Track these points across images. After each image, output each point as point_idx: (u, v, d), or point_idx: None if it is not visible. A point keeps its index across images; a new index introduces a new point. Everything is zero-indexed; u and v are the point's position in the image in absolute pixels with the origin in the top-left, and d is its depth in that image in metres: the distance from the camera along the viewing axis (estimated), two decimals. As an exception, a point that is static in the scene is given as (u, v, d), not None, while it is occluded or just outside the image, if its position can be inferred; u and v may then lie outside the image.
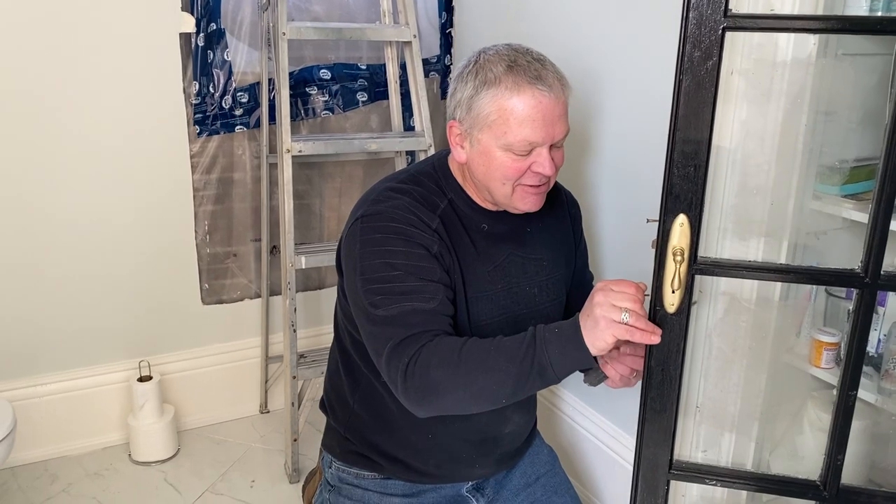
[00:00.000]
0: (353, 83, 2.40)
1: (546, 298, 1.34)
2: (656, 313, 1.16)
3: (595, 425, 2.09)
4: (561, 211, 1.40)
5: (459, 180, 1.25)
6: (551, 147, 1.16)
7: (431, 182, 1.24)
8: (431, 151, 2.22)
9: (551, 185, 1.26)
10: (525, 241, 1.30)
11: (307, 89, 2.36)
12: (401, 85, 2.33)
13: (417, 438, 1.31)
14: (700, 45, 1.05)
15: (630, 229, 1.86)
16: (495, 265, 1.26)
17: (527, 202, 1.21)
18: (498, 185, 1.18)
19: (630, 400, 1.94)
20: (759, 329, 1.40)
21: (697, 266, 1.13)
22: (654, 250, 1.17)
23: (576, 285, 1.44)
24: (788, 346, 1.47)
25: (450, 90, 1.22)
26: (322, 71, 2.36)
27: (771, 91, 1.27)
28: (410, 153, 2.36)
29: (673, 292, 1.13)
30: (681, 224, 1.08)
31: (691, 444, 1.45)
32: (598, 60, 1.89)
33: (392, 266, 1.14)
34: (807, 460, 1.52)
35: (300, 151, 2.04)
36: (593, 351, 1.04)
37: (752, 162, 1.30)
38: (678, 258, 1.09)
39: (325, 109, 2.39)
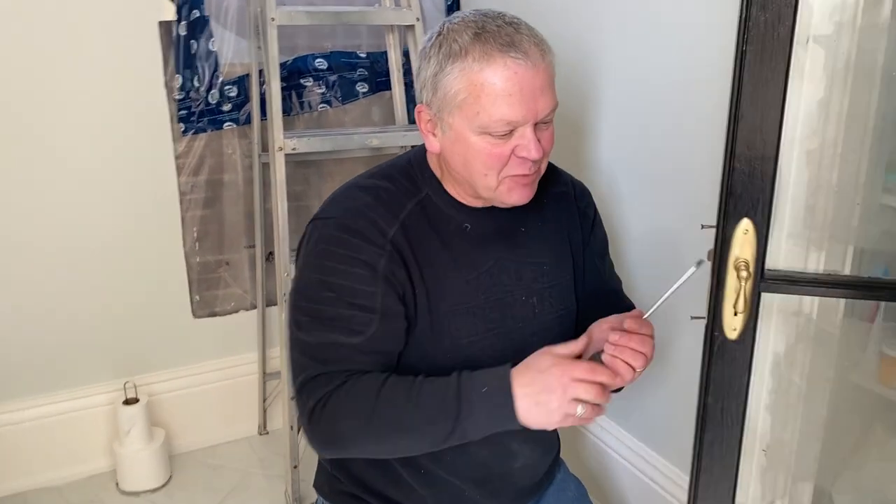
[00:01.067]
0: (352, 73, 2.28)
1: (549, 310, 1.16)
2: (713, 340, 0.96)
3: (625, 447, 1.89)
4: (565, 204, 1.20)
5: (437, 174, 1.10)
6: (536, 125, 0.99)
7: (404, 177, 1.09)
8: None
9: (542, 171, 1.08)
10: (519, 243, 1.13)
11: (301, 81, 2.23)
12: (404, 74, 2.18)
13: (409, 474, 1.14)
14: (769, 7, 0.84)
15: (656, 237, 1.64)
16: (480, 272, 1.09)
17: (514, 194, 1.04)
18: (479, 176, 1.02)
19: (662, 412, 1.73)
20: (838, 354, 1.18)
21: (766, 281, 0.92)
22: (708, 263, 0.97)
23: (594, 292, 1.24)
24: (868, 371, 1.25)
25: (414, 70, 1.08)
26: (317, 60, 2.23)
27: (857, 62, 1.05)
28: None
29: (736, 314, 0.94)
30: (745, 231, 0.90)
31: (756, 495, 1.23)
32: (621, 39, 1.67)
33: (326, 285, 1.02)
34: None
35: (294, 149, 1.90)
36: (531, 426, 0.95)
37: (828, 152, 1.08)
38: (742, 273, 0.90)
39: (322, 102, 2.26)
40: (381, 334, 1.02)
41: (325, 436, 1.00)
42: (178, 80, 2.08)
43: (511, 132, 0.99)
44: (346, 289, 1.01)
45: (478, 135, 0.99)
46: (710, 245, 0.96)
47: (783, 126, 0.89)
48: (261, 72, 2.05)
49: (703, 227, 0.98)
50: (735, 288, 0.94)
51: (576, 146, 1.89)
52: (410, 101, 2.23)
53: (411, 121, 2.23)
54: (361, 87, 2.29)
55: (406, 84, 2.21)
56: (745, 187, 0.91)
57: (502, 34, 0.97)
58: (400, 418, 0.97)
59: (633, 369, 0.98)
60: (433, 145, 1.06)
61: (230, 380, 2.35)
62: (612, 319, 1.05)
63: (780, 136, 0.89)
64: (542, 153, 1.01)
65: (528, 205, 1.10)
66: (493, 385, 0.96)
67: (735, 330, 0.95)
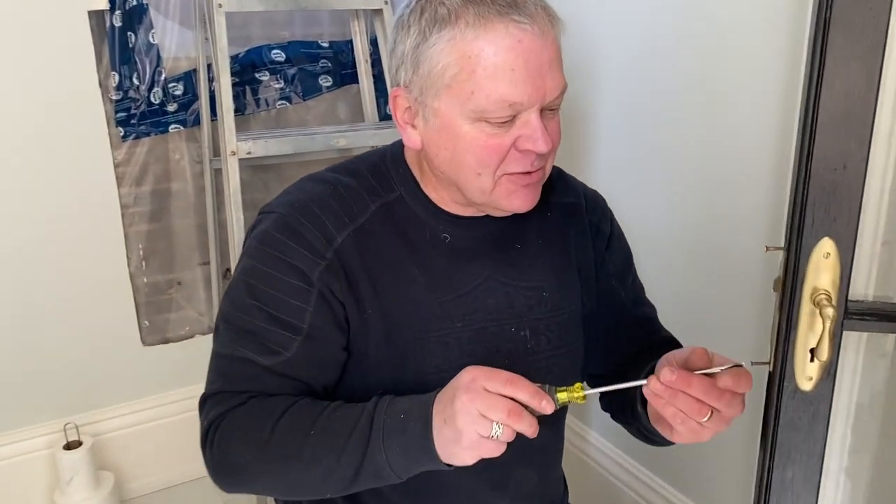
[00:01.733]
0: (314, 65, 2.12)
1: (545, 346, 0.96)
2: (781, 392, 0.76)
3: (636, 478, 1.68)
4: (574, 218, 1.01)
5: (417, 174, 0.93)
6: (542, 112, 0.82)
7: (372, 174, 0.93)
8: None
9: (548, 172, 0.89)
10: (513, 261, 0.95)
11: (257, 75, 2.06)
12: (372, 65, 2.07)
13: None
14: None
15: (706, 261, 1.43)
16: (460, 294, 0.92)
17: (516, 198, 0.86)
18: (471, 176, 0.85)
19: (713, 466, 1.52)
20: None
21: (851, 317, 0.73)
22: (775, 294, 0.77)
23: (616, 323, 1.03)
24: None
25: (389, 45, 0.88)
26: (274, 52, 2.07)
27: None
28: None
29: (812, 360, 0.75)
30: (825, 254, 0.72)
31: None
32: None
33: (251, 291, 0.89)
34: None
35: (249, 153, 1.74)
36: (452, 463, 0.78)
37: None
38: (824, 306, 0.71)
39: (281, 99, 2.10)
40: (302, 359, 0.88)
41: (217, 463, 0.87)
42: (115, 79, 1.88)
43: (513, 118, 0.81)
44: (270, 299, 0.88)
45: (471, 122, 0.81)
46: (777, 271, 0.76)
47: (876, 119, 0.68)
48: (209, 66, 1.89)
49: (767, 248, 0.77)
50: (811, 326, 0.73)
51: (589, 145, 1.67)
52: (381, 96, 2.08)
53: (382, 117, 2.09)
54: (325, 81, 2.14)
55: (375, 76, 2.07)
56: (827, 198, 0.71)
57: None
58: (300, 448, 0.83)
59: (694, 423, 0.76)
60: (412, 139, 0.88)
61: (187, 413, 2.12)
62: (692, 355, 0.81)
63: (873, 131, 0.69)
64: (550, 145, 0.83)
65: (527, 216, 0.92)
66: (414, 412, 0.79)
67: (810, 379, 0.76)
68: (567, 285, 0.99)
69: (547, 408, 0.75)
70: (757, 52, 1.26)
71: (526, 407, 0.75)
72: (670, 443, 0.91)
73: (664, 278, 1.49)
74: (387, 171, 0.94)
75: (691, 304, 1.45)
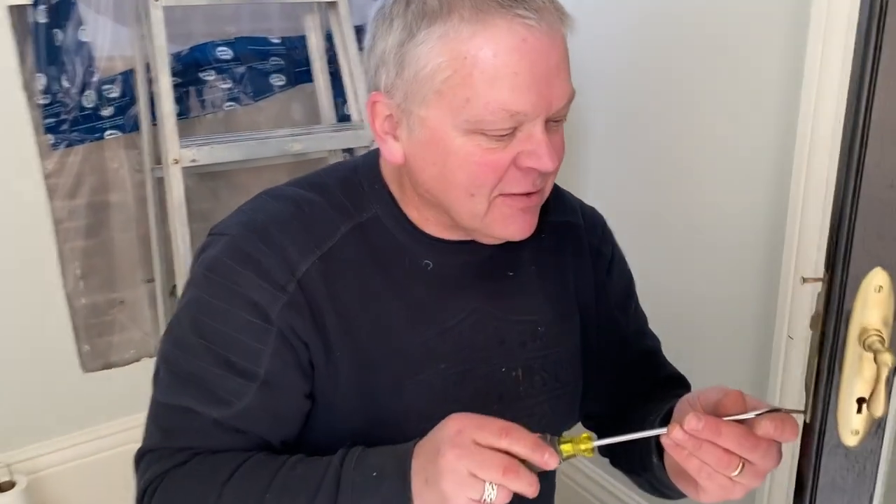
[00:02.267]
0: (265, 63, 2.01)
1: (539, 388, 0.86)
2: (821, 448, 0.66)
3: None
4: (572, 239, 0.90)
5: (395, 191, 0.82)
6: (546, 123, 0.72)
7: (343, 190, 0.82)
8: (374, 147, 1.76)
9: (547, 192, 0.79)
10: (505, 291, 0.85)
11: (201, 75, 1.94)
12: (328, 62, 1.97)
13: None
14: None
15: (729, 296, 1.32)
16: (444, 329, 0.82)
17: (512, 224, 0.76)
18: (462, 197, 0.74)
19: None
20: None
21: None
22: (811, 332, 0.67)
23: (617, 358, 0.93)
24: None
25: (366, 42, 0.77)
26: (220, 49, 1.95)
27: None
28: (348, 152, 1.96)
29: (859, 411, 0.64)
30: (878, 288, 0.60)
31: None
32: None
33: (197, 329, 0.77)
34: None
35: (194, 161, 1.63)
36: None
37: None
38: (879, 351, 0.60)
39: (229, 100, 1.98)
40: (258, 410, 0.77)
41: None
42: (41, 81, 1.72)
43: (513, 131, 0.71)
44: (220, 338, 0.76)
45: (465, 134, 0.71)
46: (814, 307, 0.65)
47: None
48: (148, 66, 1.75)
49: (804, 280, 0.67)
50: (859, 371, 0.62)
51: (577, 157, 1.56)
52: (338, 95, 1.98)
53: (341, 118, 1.99)
54: (277, 80, 2.03)
55: (332, 74, 1.96)
56: (879, 220, 0.60)
57: None
58: None
59: (723, 478, 0.66)
60: (394, 153, 0.76)
61: (136, 443, 1.94)
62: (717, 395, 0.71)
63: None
64: (556, 162, 0.73)
65: (520, 241, 0.80)
66: (389, 468, 0.69)
67: (857, 434, 0.65)
68: (565, 317, 0.88)
69: (550, 462, 0.64)
70: (754, 51, 1.16)
71: (523, 461, 0.64)
72: (683, 496, 0.80)
73: (683, 311, 1.39)
74: (360, 186, 0.82)
75: (679, 331, 1.35)
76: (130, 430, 1.97)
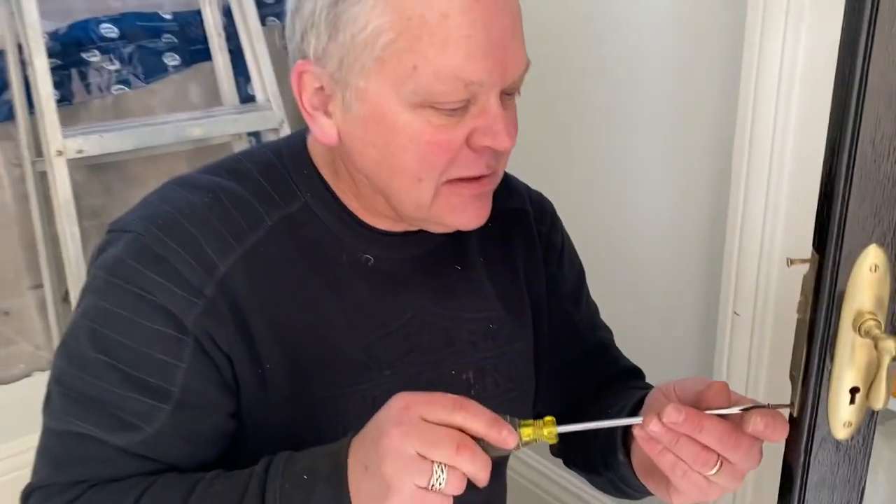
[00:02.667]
0: (156, 41, 1.88)
1: (492, 391, 0.80)
2: (811, 442, 0.64)
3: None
4: (521, 228, 0.84)
5: (327, 175, 0.74)
6: (501, 96, 0.65)
7: (266, 176, 0.74)
8: (285, 130, 1.75)
9: (500, 176, 0.71)
10: (452, 287, 0.78)
11: (84, 55, 1.78)
12: (227, 39, 1.87)
13: None
14: None
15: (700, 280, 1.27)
16: (388, 332, 0.75)
17: (464, 213, 0.69)
18: (408, 183, 0.67)
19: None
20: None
21: None
22: (798, 318, 0.62)
23: (568, 355, 0.87)
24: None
25: (289, 3, 0.67)
26: (104, 26, 1.80)
27: None
28: (254, 135, 1.87)
29: (852, 402, 0.60)
30: (872, 266, 0.57)
31: None
32: None
33: (96, 342, 0.67)
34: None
35: (81, 152, 1.51)
36: None
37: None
38: (879, 338, 0.55)
39: (118, 83, 1.84)
40: (171, 435, 0.68)
41: None
42: None
43: (466, 105, 0.63)
44: (125, 353, 0.67)
45: (412, 109, 0.63)
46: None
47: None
48: (21, 46, 1.59)
49: (790, 262, 0.61)
50: (853, 359, 0.58)
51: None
52: (240, 74, 1.88)
53: (244, 99, 1.88)
54: (171, 60, 1.90)
55: (231, 51, 1.86)
56: (875, 195, 0.55)
57: None
58: None
59: (699, 477, 0.61)
60: (326, 132, 0.68)
61: (27, 468, 1.79)
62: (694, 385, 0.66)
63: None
64: (514, 140, 0.65)
65: (466, 231, 0.73)
66: (322, 467, 0.61)
67: (849, 426, 0.61)
68: (516, 313, 0.81)
69: (509, 440, 0.57)
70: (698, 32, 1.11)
71: (478, 444, 0.57)
72: (648, 495, 0.75)
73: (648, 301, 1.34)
74: (286, 171, 0.73)
75: (622, 309, 1.31)
76: (20, 456, 1.80)
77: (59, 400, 0.68)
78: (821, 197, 0.57)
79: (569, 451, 0.86)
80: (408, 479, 0.55)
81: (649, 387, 0.83)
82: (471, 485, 0.81)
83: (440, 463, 0.55)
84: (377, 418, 0.59)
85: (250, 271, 0.68)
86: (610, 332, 0.91)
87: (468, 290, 0.78)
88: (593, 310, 0.91)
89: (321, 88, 0.66)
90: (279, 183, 0.72)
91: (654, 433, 0.59)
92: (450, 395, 0.58)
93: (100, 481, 0.67)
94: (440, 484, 0.55)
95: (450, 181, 0.66)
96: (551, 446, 0.90)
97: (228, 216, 0.69)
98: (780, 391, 1.08)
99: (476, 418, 0.56)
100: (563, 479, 1.61)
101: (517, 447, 0.59)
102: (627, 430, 0.72)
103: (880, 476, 1.04)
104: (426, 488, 0.55)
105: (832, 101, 0.55)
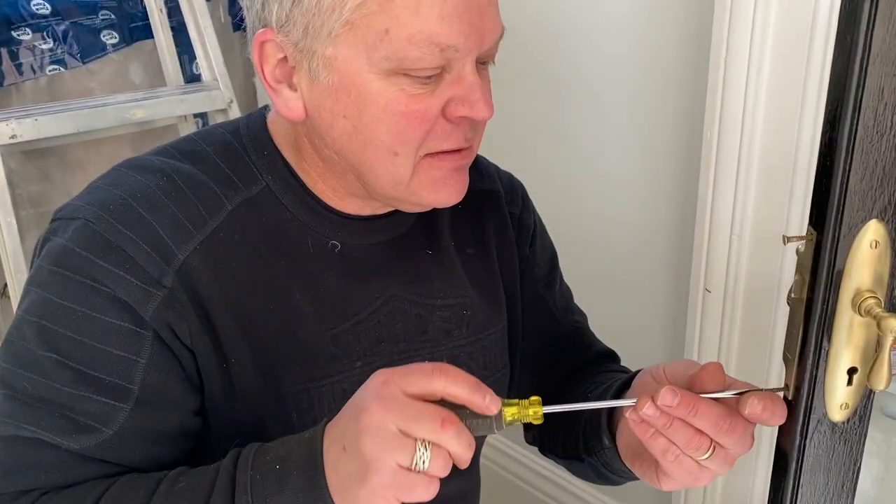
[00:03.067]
0: (93, 18, 1.81)
1: None
2: (807, 425, 0.61)
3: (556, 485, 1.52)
4: (493, 210, 0.81)
5: (290, 157, 0.70)
6: (476, 64, 0.63)
7: (224, 157, 0.70)
8: (234, 112, 1.70)
9: (477, 149, 0.69)
10: (424, 273, 0.76)
11: (15, 34, 1.72)
12: (169, 15, 1.82)
13: None
14: None
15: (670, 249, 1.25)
16: (358, 320, 0.71)
17: (444, 188, 0.67)
18: (382, 158, 0.64)
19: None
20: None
21: None
22: (792, 299, 0.59)
23: (542, 340, 0.85)
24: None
25: None
26: (36, 3, 1.74)
27: None
28: (201, 117, 1.82)
29: (849, 383, 0.58)
30: (872, 243, 0.55)
31: None
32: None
33: (45, 339, 0.63)
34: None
35: (14, 137, 1.47)
36: None
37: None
38: (881, 317, 0.53)
39: (53, 63, 1.77)
40: (131, 436, 0.64)
41: None
42: None
43: (441, 72, 0.61)
44: (78, 350, 0.63)
45: (385, 76, 0.60)
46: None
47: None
48: None
49: (786, 239, 0.59)
50: (850, 339, 0.57)
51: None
52: (184, 52, 1.82)
53: (189, 79, 1.83)
54: (109, 38, 1.84)
55: (173, 29, 1.80)
56: (877, 169, 0.53)
57: None
58: None
59: (690, 462, 0.60)
60: (291, 107, 0.64)
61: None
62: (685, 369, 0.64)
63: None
64: (492, 109, 0.63)
65: (437, 211, 0.72)
66: (295, 455, 0.58)
67: (846, 408, 0.60)
68: (491, 298, 0.79)
69: (492, 407, 0.54)
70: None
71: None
72: (630, 480, 0.73)
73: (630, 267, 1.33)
74: (245, 153, 0.70)
75: (593, 286, 1.30)
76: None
77: (5, 403, 0.63)
78: (819, 171, 0.54)
79: (546, 437, 0.85)
80: (389, 457, 0.52)
81: (626, 370, 0.81)
82: (446, 476, 0.79)
83: (423, 441, 0.52)
84: (356, 397, 0.56)
85: (211, 259, 0.65)
86: (584, 315, 0.89)
87: (440, 276, 0.75)
88: (567, 293, 0.89)
89: (284, 59, 0.62)
90: (238, 165, 0.69)
91: (647, 416, 0.57)
92: (428, 363, 0.55)
93: (52, 488, 0.63)
94: (424, 464, 0.52)
95: (428, 155, 0.63)
96: (525, 434, 0.88)
97: (185, 201, 0.65)
98: (751, 368, 1.09)
99: (457, 383, 0.54)
100: (538, 466, 1.60)
101: (501, 427, 0.56)
102: (611, 414, 0.70)
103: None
104: (409, 468, 0.52)
105: (831, 71, 0.52)
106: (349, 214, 0.70)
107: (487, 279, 0.79)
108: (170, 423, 0.65)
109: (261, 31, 0.61)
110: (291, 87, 0.63)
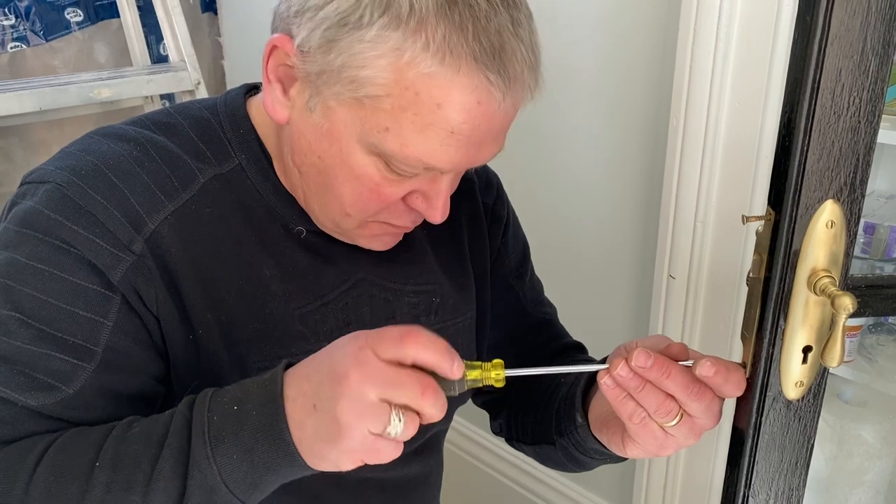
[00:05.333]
0: None
1: None
2: (762, 403, 0.63)
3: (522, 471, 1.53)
4: (466, 200, 0.81)
5: (268, 139, 0.70)
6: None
7: (199, 133, 0.70)
8: (202, 93, 1.67)
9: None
10: (394, 258, 0.76)
11: None
12: None
13: None
14: None
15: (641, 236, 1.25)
16: (325, 302, 0.72)
17: (376, 242, 0.71)
18: (334, 209, 0.67)
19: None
20: None
21: (866, 303, 0.59)
22: (750, 278, 0.62)
23: (512, 332, 0.86)
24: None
25: None
26: None
27: None
28: (168, 97, 1.78)
29: (804, 361, 0.59)
30: (829, 223, 0.56)
31: None
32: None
33: (10, 299, 0.62)
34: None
35: None
36: (320, 467, 0.56)
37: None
38: (835, 295, 0.54)
39: (15, 41, 1.74)
40: (92, 397, 0.63)
41: None
42: None
43: (417, 173, 0.64)
44: (43, 309, 0.62)
45: (368, 153, 0.62)
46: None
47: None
48: None
49: (745, 219, 0.59)
50: (806, 318, 0.58)
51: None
52: (151, 32, 1.79)
53: (156, 59, 1.80)
54: (73, 16, 1.80)
55: (140, 8, 1.77)
56: (833, 149, 0.54)
57: (491, 28, 0.57)
58: (82, 496, 0.58)
59: (657, 427, 0.61)
60: (277, 109, 0.65)
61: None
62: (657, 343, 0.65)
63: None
64: (444, 218, 0.66)
65: None
66: (254, 396, 0.57)
67: (800, 385, 0.61)
68: (460, 286, 0.78)
69: (457, 372, 0.55)
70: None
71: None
72: (600, 463, 0.74)
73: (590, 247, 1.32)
74: (220, 129, 0.70)
75: (559, 272, 1.29)
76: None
77: None
78: (777, 152, 0.55)
79: (515, 424, 0.84)
80: (362, 424, 0.52)
81: (594, 360, 0.81)
82: (408, 458, 0.79)
83: (398, 408, 0.53)
84: (331, 356, 0.56)
85: (181, 231, 0.64)
86: (554, 308, 0.89)
87: (410, 262, 0.75)
88: (538, 286, 0.89)
89: (291, 70, 0.62)
90: (212, 140, 0.68)
91: (620, 377, 0.58)
92: (398, 327, 0.55)
93: (2, 444, 0.62)
94: (397, 431, 0.53)
95: (376, 222, 0.67)
96: (492, 424, 0.88)
97: (158, 171, 0.64)
98: (713, 352, 1.09)
99: (428, 348, 0.54)
100: (502, 451, 1.60)
101: (462, 388, 0.57)
102: (586, 392, 0.71)
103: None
104: (379, 435, 0.53)
105: (791, 52, 0.53)
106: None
107: (458, 267, 0.79)
108: (132, 386, 0.65)
109: (281, 35, 0.61)
110: (286, 93, 0.64)
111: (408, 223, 0.68)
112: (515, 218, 0.86)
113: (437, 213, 0.65)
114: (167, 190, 0.64)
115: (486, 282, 0.81)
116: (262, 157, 0.69)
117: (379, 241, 0.70)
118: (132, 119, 0.70)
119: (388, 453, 0.53)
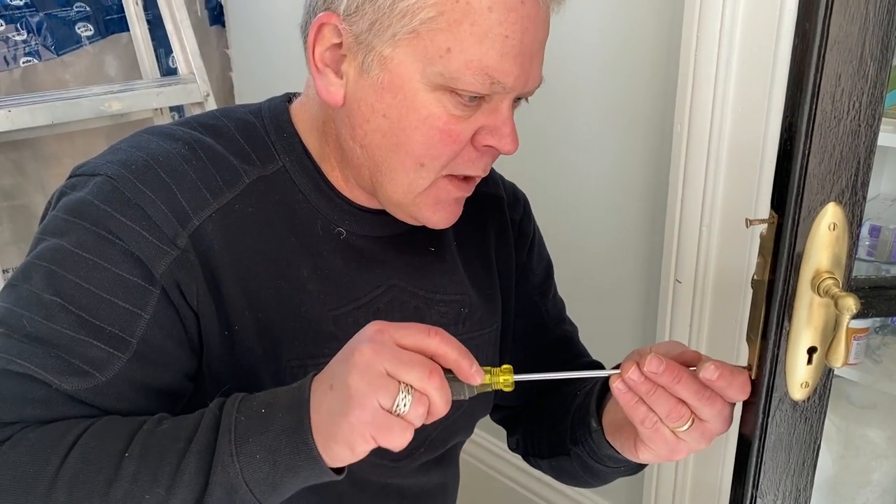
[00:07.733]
0: (67, 10, 1.80)
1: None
2: (769, 403, 0.62)
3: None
4: (495, 214, 0.83)
5: (312, 142, 0.72)
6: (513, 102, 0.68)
7: (245, 136, 0.71)
8: (210, 104, 1.68)
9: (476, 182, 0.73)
10: (426, 268, 0.77)
11: None
12: (145, 8, 1.79)
13: None
14: None
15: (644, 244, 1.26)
16: (358, 306, 0.73)
17: (441, 211, 0.70)
18: (409, 164, 0.66)
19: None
20: None
21: (870, 304, 0.59)
22: (754, 281, 0.61)
23: (533, 346, 0.87)
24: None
25: None
26: None
27: None
28: (177, 110, 1.81)
29: (809, 362, 0.59)
30: (831, 225, 0.56)
31: None
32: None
33: (53, 283, 0.63)
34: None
35: None
36: (332, 462, 0.57)
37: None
38: (839, 296, 0.55)
39: (27, 55, 1.75)
40: (124, 386, 0.64)
41: None
42: None
43: (481, 101, 0.64)
44: (84, 296, 0.63)
45: (433, 90, 0.63)
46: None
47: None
48: None
49: (749, 222, 0.60)
50: (810, 319, 0.58)
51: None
52: (160, 46, 1.82)
53: (165, 72, 1.82)
54: (84, 30, 1.82)
55: (149, 22, 1.79)
56: (835, 153, 0.55)
57: None
58: (109, 485, 0.59)
59: (668, 432, 0.62)
60: (332, 92, 0.66)
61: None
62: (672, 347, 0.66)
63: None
64: (517, 145, 0.66)
65: None
66: (282, 401, 0.59)
67: (806, 387, 0.61)
68: (487, 299, 0.80)
69: (476, 376, 0.57)
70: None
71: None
72: (614, 473, 0.75)
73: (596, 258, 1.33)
74: (265, 133, 0.71)
75: (567, 277, 1.30)
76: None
77: (3, 338, 0.63)
78: (779, 155, 0.56)
79: (532, 438, 0.85)
80: (373, 394, 0.53)
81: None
82: (428, 467, 0.80)
83: (407, 386, 0.54)
84: (348, 344, 0.58)
85: (225, 228, 0.66)
86: (575, 327, 0.90)
87: (441, 272, 0.77)
88: (560, 304, 0.90)
89: (338, 45, 0.64)
90: (258, 143, 0.70)
91: (631, 381, 0.59)
92: (423, 325, 0.57)
93: (34, 423, 0.63)
94: (405, 407, 0.54)
95: (447, 176, 0.66)
96: (509, 441, 0.89)
97: (205, 170, 0.66)
98: (720, 356, 1.09)
99: (450, 345, 0.56)
100: (517, 460, 1.60)
101: (472, 392, 0.58)
102: (601, 400, 0.72)
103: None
104: (389, 411, 0.54)
105: (791, 57, 0.54)
106: (359, 205, 0.72)
107: (486, 280, 0.80)
108: (162, 380, 0.66)
109: (324, 13, 0.63)
110: (337, 73, 0.65)
111: (480, 170, 0.68)
112: (541, 237, 0.88)
113: (507, 139, 0.65)
114: (213, 188, 0.66)
115: (510, 296, 0.82)
116: (305, 159, 0.70)
117: (445, 209, 0.70)
118: (180, 120, 0.72)
119: (398, 434, 0.54)
